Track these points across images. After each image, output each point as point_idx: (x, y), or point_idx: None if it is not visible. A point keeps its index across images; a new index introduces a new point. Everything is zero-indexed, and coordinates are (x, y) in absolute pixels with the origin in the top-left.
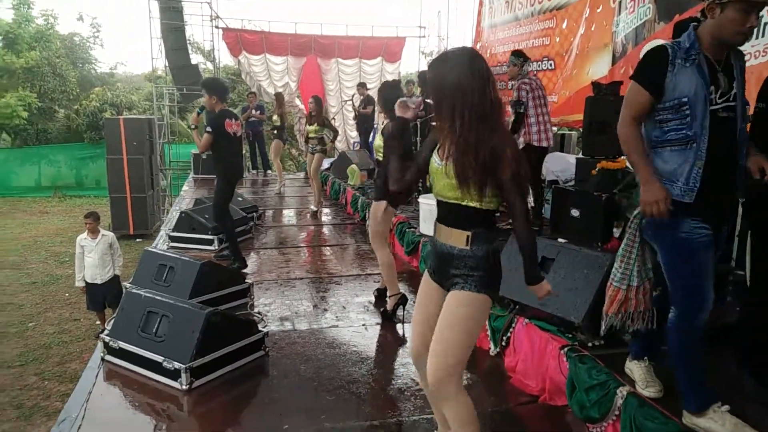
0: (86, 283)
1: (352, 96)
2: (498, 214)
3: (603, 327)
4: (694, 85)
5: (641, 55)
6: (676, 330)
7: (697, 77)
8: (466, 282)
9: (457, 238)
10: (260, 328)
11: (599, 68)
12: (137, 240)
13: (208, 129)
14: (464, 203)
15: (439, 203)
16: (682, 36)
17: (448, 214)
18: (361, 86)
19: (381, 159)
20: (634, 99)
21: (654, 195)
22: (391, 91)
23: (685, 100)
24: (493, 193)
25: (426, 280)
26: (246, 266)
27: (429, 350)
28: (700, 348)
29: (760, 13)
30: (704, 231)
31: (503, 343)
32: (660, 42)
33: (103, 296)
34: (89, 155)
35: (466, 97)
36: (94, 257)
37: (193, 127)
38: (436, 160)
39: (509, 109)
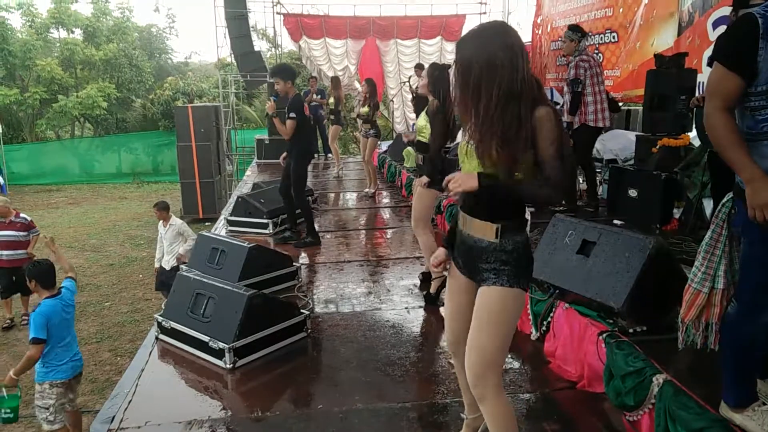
0: (160, 266)
1: (410, 77)
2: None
3: (680, 339)
4: None
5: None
6: (734, 323)
7: None
8: (498, 277)
9: (485, 230)
10: (303, 310)
11: (664, 39)
12: (206, 223)
13: (292, 115)
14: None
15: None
16: None
17: (475, 204)
18: (419, 67)
19: (424, 140)
20: (720, 84)
21: (766, 196)
22: (440, 72)
23: None
24: (525, 173)
25: (454, 273)
26: (320, 242)
27: (465, 344)
28: (755, 347)
29: None
30: None
31: (543, 328)
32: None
33: (169, 280)
34: (164, 142)
35: (495, 71)
36: (164, 244)
37: (273, 115)
38: (465, 141)
39: (565, 87)
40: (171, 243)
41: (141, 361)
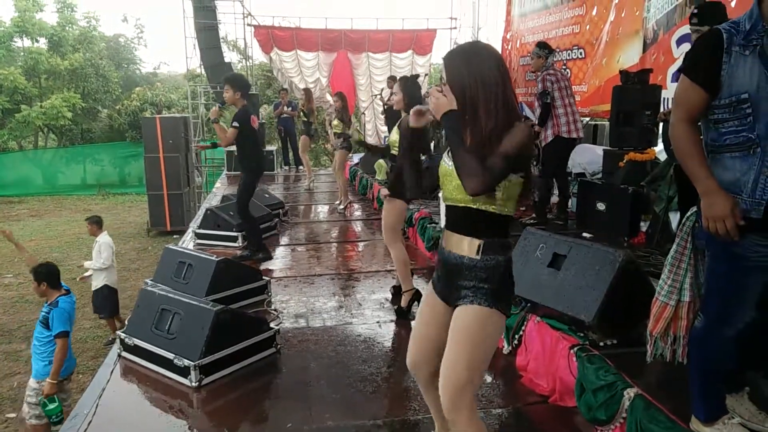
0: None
1: (381, 90)
2: (519, 214)
3: (649, 352)
4: (756, 77)
5: (673, 42)
6: (700, 337)
7: (760, 67)
8: (476, 296)
9: (467, 247)
10: (273, 325)
11: (630, 56)
12: (174, 236)
13: (235, 124)
14: (476, 206)
15: (449, 209)
16: (742, 15)
17: (458, 221)
18: (391, 79)
19: (396, 154)
20: (686, 96)
21: (720, 209)
22: (412, 85)
23: (745, 96)
24: (505, 195)
25: (430, 296)
26: (271, 257)
27: (425, 367)
28: (722, 361)
29: None
30: (767, 251)
31: (515, 342)
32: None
33: (97, 302)
34: (131, 154)
35: (491, 89)
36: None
37: (215, 120)
38: (447, 162)
39: (536, 102)
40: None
41: (102, 380)
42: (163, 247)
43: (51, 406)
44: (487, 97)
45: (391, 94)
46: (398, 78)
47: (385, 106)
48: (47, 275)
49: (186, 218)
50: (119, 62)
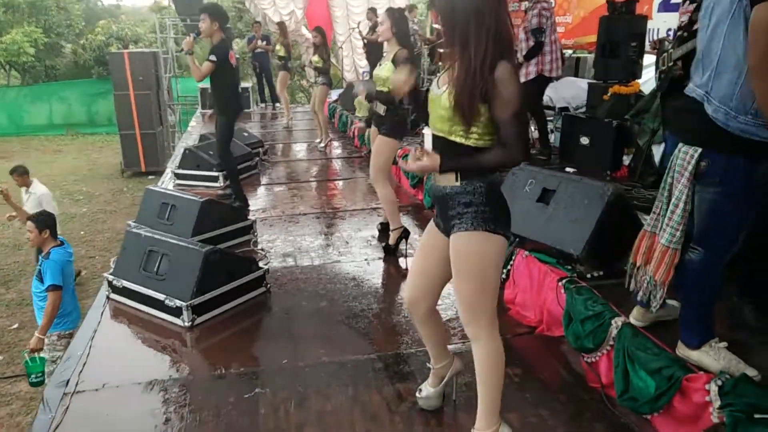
0: None
1: (359, 23)
2: None
3: (656, 302)
4: None
5: None
6: (702, 269)
7: None
8: (461, 221)
9: (447, 177)
10: (262, 265)
11: None
12: (149, 177)
13: (212, 57)
14: (452, 138)
15: (434, 139)
16: None
17: (440, 151)
18: (371, 11)
19: (386, 90)
20: None
21: None
22: (400, 15)
23: None
24: (483, 130)
25: (430, 229)
26: (248, 206)
27: (424, 302)
28: (718, 291)
29: None
30: None
31: (503, 276)
32: None
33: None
34: (99, 91)
35: (482, 18)
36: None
37: (188, 52)
38: (434, 89)
39: (520, 34)
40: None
41: (93, 322)
42: (143, 188)
43: (32, 365)
44: (479, 29)
45: (370, 27)
46: (386, 9)
47: (365, 41)
48: (51, 223)
49: (161, 158)
50: None
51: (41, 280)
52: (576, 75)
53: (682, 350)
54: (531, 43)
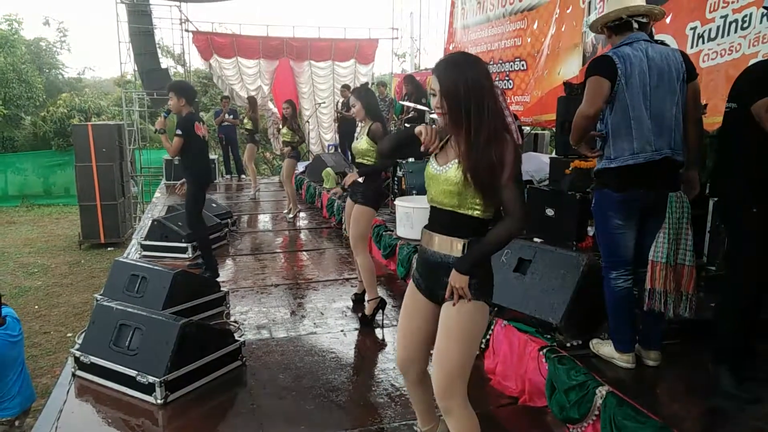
0: None
1: (338, 102)
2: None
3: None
4: None
5: None
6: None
7: None
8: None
9: (452, 247)
10: (237, 337)
11: (570, 68)
12: (109, 249)
13: (179, 132)
14: (461, 211)
15: (434, 210)
16: None
17: (443, 222)
18: (345, 88)
19: (367, 163)
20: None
21: None
22: (368, 95)
23: None
24: (488, 202)
25: (412, 292)
26: (218, 276)
27: (417, 363)
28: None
29: (724, 12)
30: None
31: (482, 345)
32: None
33: None
34: (57, 163)
35: (482, 97)
36: None
37: (161, 131)
38: (434, 166)
39: None
40: None
41: (58, 401)
42: (101, 260)
43: None
44: (479, 107)
45: (343, 103)
46: (351, 89)
47: (339, 115)
48: None
49: (122, 229)
50: (41, 66)
51: None
52: (535, 150)
53: (595, 347)
54: None
